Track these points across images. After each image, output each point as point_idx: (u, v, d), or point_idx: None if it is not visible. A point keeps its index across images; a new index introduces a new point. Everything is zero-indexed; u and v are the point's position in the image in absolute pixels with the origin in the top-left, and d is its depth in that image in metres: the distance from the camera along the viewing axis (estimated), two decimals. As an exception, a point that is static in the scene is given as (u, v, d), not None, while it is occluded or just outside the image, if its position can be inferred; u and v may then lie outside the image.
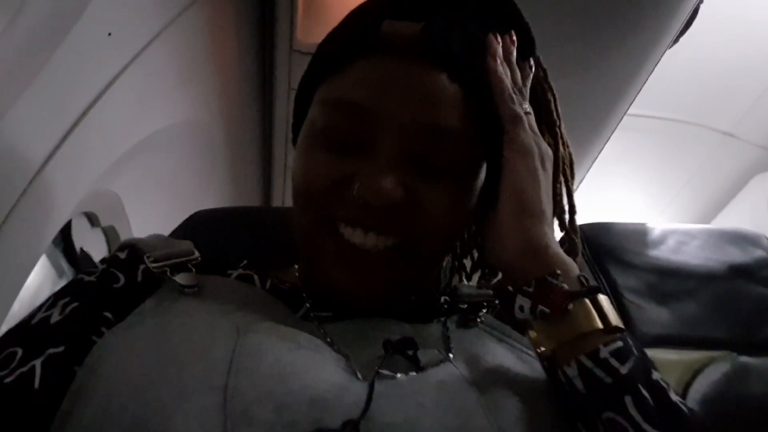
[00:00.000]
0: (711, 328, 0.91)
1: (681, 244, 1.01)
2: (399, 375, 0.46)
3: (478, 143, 0.55)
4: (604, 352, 0.44)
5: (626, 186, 2.49)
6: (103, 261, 0.59)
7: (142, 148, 1.03)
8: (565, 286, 0.48)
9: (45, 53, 0.68)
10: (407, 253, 0.53)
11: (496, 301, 0.62)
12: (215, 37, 1.17)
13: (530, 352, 0.53)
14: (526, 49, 0.60)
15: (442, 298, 0.64)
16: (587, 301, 0.47)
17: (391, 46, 0.53)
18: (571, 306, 0.47)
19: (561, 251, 0.51)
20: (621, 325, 0.47)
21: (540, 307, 0.48)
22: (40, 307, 0.53)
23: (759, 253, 0.98)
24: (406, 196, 0.51)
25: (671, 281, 0.95)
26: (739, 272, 0.96)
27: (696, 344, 0.88)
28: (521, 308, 0.49)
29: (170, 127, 1.12)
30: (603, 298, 0.48)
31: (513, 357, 0.52)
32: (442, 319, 0.59)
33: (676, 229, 1.04)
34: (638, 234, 1.02)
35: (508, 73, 0.56)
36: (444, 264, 0.70)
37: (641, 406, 0.42)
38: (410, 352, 0.49)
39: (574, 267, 0.50)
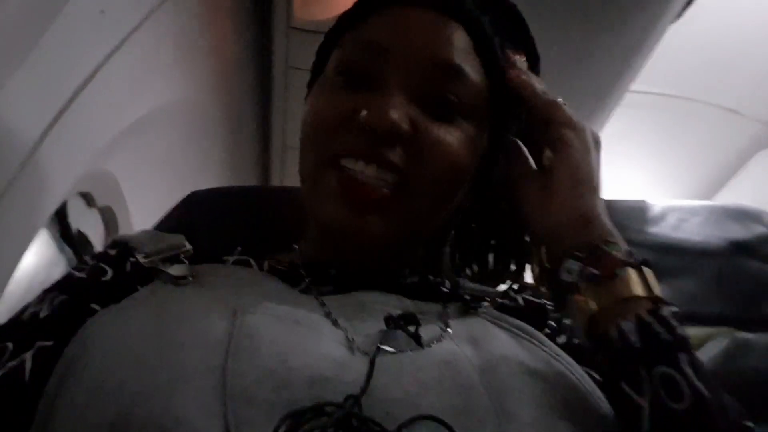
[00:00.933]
0: (711, 304, 0.90)
1: (681, 221, 1.00)
2: (400, 351, 0.46)
3: (487, 101, 0.57)
4: (665, 311, 0.46)
5: (628, 163, 2.47)
6: (93, 257, 0.59)
7: (138, 128, 1.02)
8: (616, 253, 0.49)
9: (37, 31, 0.67)
10: (406, 196, 0.54)
11: (498, 299, 0.63)
12: (211, 13, 1.16)
13: (532, 340, 0.53)
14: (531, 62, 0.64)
15: (442, 288, 0.63)
16: (636, 270, 0.48)
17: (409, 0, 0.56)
18: (619, 272, 0.48)
19: (611, 224, 0.52)
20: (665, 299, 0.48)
21: (590, 269, 0.49)
22: (30, 303, 0.53)
23: (760, 230, 0.97)
24: (412, 132, 0.52)
25: (671, 258, 0.95)
26: (739, 248, 0.95)
27: (696, 320, 0.88)
28: (569, 271, 0.50)
29: (166, 105, 1.11)
30: (649, 272, 0.49)
31: (514, 342, 0.52)
32: (443, 302, 0.59)
33: (676, 206, 1.03)
34: (638, 211, 1.01)
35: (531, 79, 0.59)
36: (445, 254, 0.70)
37: (694, 364, 0.43)
38: (412, 329, 0.49)
39: (622, 240, 0.51)
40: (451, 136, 0.54)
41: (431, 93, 0.54)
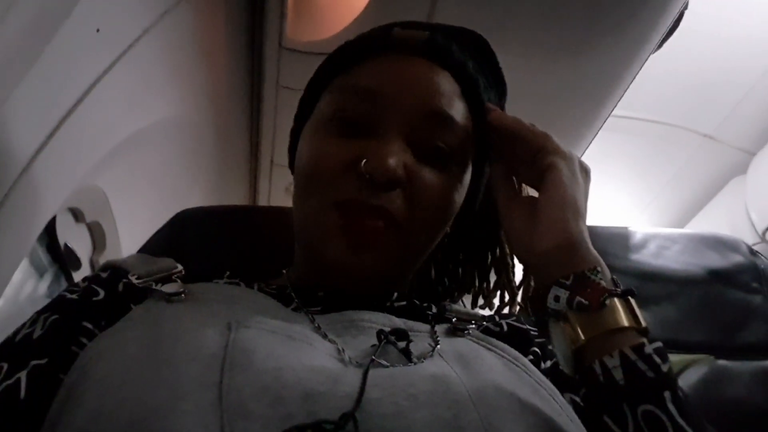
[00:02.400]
0: (690, 331, 0.93)
1: (662, 249, 1.02)
2: (392, 366, 0.47)
3: (473, 138, 0.60)
4: (649, 348, 0.47)
5: (609, 186, 2.51)
6: (85, 279, 0.59)
7: (129, 144, 1.02)
8: (603, 282, 0.50)
9: (35, 50, 0.67)
10: (399, 235, 0.56)
11: (484, 322, 0.64)
12: (204, 33, 1.16)
13: (517, 363, 0.54)
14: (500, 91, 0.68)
15: (429, 312, 0.65)
16: (622, 300, 0.50)
17: (401, 47, 0.60)
18: (607, 302, 0.49)
19: (595, 251, 0.54)
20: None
21: (578, 298, 0.50)
22: (23, 325, 0.53)
23: (738, 258, 1.00)
24: (407, 177, 0.55)
25: (652, 285, 0.97)
26: (718, 277, 0.98)
27: (675, 348, 0.90)
28: (556, 298, 0.51)
29: (158, 123, 1.11)
30: (634, 301, 0.50)
31: (501, 364, 0.53)
32: (431, 323, 0.60)
33: (657, 234, 1.06)
34: (620, 238, 1.04)
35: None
36: (430, 274, 0.72)
37: (678, 402, 0.45)
38: (402, 344, 0.50)
39: (606, 268, 0.53)
40: (441, 181, 0.58)
41: (423, 140, 0.57)
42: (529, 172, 0.60)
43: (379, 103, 0.57)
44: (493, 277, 0.72)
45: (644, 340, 0.48)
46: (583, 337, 0.49)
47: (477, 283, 0.72)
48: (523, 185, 0.64)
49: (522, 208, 0.59)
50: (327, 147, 0.58)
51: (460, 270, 0.74)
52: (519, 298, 0.69)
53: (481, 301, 0.73)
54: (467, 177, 0.61)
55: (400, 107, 0.57)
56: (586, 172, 0.60)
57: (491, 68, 0.66)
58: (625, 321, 0.49)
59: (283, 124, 1.58)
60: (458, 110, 0.59)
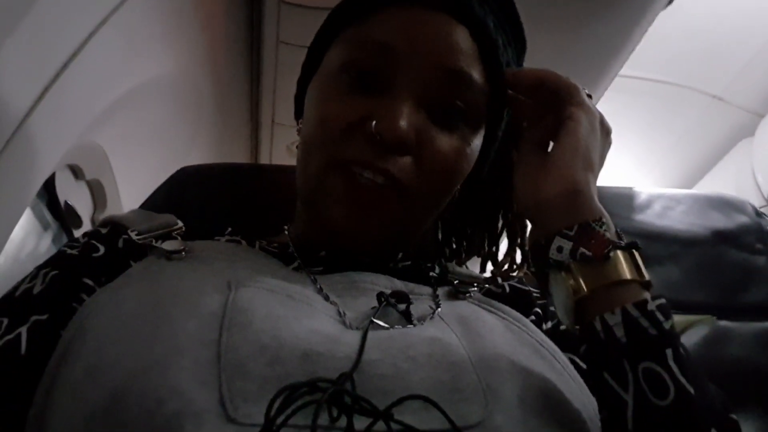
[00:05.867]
0: (693, 292, 0.92)
1: (666, 209, 1.01)
2: (391, 327, 0.47)
3: (487, 101, 0.58)
4: (652, 305, 0.46)
5: (614, 147, 2.48)
6: (85, 235, 0.59)
7: (127, 100, 1.01)
8: (608, 234, 0.49)
9: (28, 1, 0.65)
10: (406, 201, 0.55)
11: (486, 284, 0.64)
12: (203, -14, 1.14)
13: (519, 324, 0.54)
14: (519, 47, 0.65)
15: (431, 273, 0.64)
16: (626, 253, 0.49)
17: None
18: (611, 254, 0.48)
19: (600, 205, 0.53)
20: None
21: (581, 249, 0.49)
22: (23, 280, 0.53)
23: (743, 219, 0.99)
24: (417, 141, 0.53)
25: (656, 245, 0.96)
26: (722, 238, 0.97)
27: (678, 308, 0.89)
28: (559, 249, 0.50)
29: (157, 78, 1.10)
30: (638, 255, 0.49)
31: (502, 326, 0.53)
32: (432, 285, 0.60)
33: (662, 194, 1.05)
34: (625, 198, 1.03)
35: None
36: (437, 234, 0.72)
37: (679, 360, 0.44)
38: (403, 306, 0.50)
39: (611, 221, 0.51)
40: (453, 145, 0.56)
41: (439, 100, 0.55)
42: (551, 121, 0.58)
43: (392, 59, 0.54)
44: (503, 242, 0.71)
45: (647, 296, 0.47)
46: (585, 288, 0.48)
47: (486, 247, 0.71)
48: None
49: (536, 161, 0.57)
50: (333, 103, 0.56)
51: (468, 231, 0.73)
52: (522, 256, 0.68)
53: (490, 266, 0.72)
54: (479, 141, 0.59)
55: (415, 64, 0.54)
56: (607, 131, 0.58)
57: (511, 24, 0.63)
58: (628, 274, 0.47)
59: (284, 82, 1.55)
60: (476, 69, 0.56)
